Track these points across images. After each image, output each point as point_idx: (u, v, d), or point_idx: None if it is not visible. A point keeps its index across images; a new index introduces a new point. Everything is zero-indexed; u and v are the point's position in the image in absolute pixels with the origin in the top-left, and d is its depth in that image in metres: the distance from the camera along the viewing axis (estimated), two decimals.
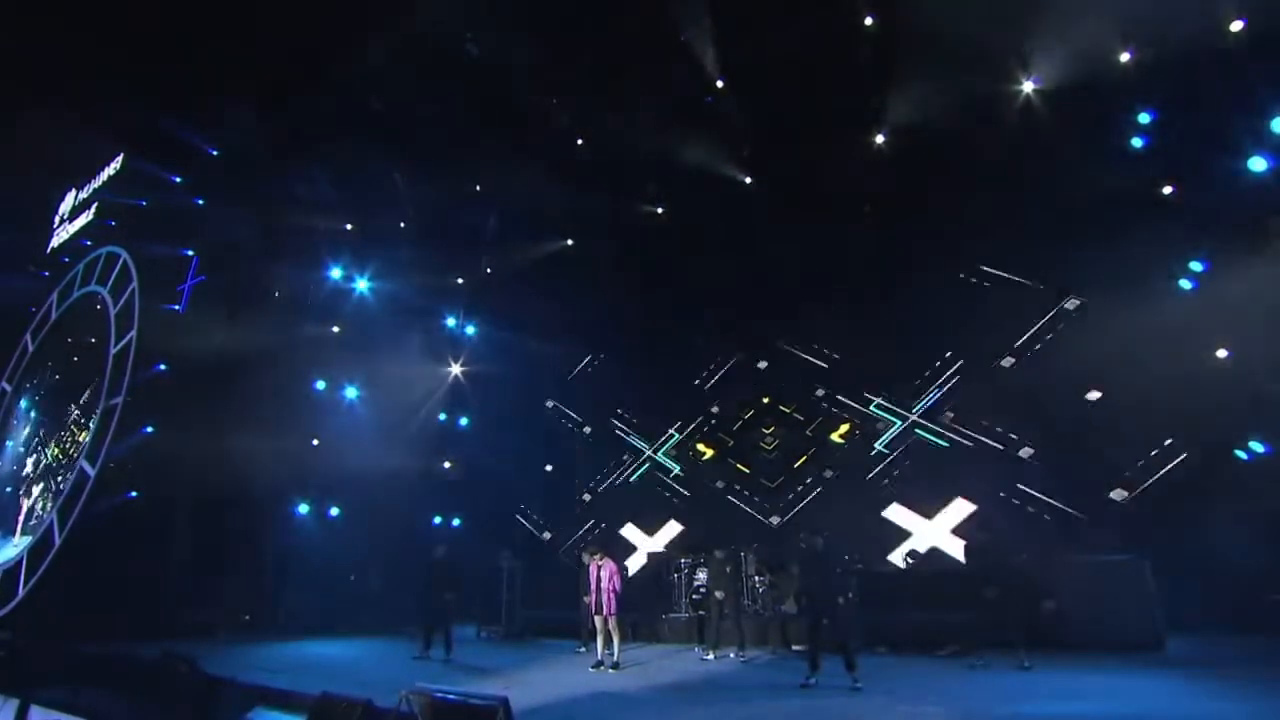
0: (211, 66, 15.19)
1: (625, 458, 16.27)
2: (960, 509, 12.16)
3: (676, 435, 15.62)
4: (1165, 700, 6.25)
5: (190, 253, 15.50)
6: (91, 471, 13.87)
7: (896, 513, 12.65)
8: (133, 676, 7.98)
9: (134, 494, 13.60)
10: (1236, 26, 9.32)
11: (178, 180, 16.39)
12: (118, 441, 13.91)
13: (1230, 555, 9.45)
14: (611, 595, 8.87)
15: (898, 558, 12.24)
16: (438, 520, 17.08)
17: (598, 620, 8.96)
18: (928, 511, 12.39)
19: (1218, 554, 9.51)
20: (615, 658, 8.89)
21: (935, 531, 12.26)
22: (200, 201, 16.23)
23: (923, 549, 12.18)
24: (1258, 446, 9.73)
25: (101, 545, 13.23)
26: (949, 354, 12.94)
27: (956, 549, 11.57)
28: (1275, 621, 8.75)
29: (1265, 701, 6.13)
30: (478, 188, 16.13)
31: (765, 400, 14.60)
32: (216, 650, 11.15)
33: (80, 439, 14.99)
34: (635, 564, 14.61)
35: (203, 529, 14.11)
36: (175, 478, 14.08)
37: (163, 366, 14.63)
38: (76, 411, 15.71)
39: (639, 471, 16.01)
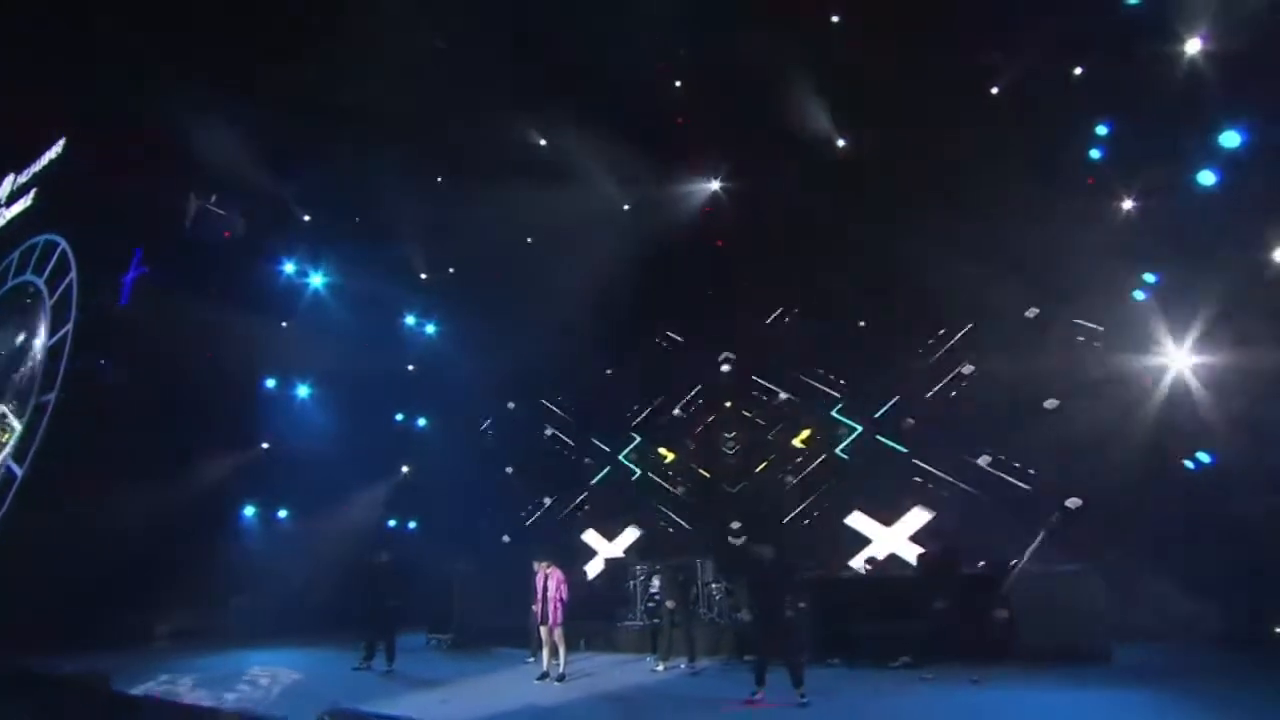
0: (162, 49, 14.61)
1: (587, 460, 15.99)
2: (919, 517, 12.15)
3: (638, 438, 15.40)
4: (1110, 717, 6.22)
5: (133, 243, 14.81)
6: (19, 471, 13.15)
7: (857, 520, 12.60)
8: (43, 693, 7.51)
9: (65, 496, 12.92)
10: (1195, 45, 9.39)
11: (123, 167, 15.64)
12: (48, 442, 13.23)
13: (1177, 564, 9.56)
14: (558, 605, 8.61)
15: (858, 564, 12.17)
16: (393, 523, 16.65)
17: (544, 631, 8.70)
18: (887, 519, 12.34)
19: (1165, 562, 9.61)
20: (561, 669, 8.64)
21: (894, 539, 12.24)
22: (147, 190, 15.51)
23: (881, 555, 12.13)
24: (1204, 457, 9.84)
25: (32, 549, 12.58)
26: (910, 361, 12.93)
27: (913, 555, 11.56)
28: (1222, 629, 8.88)
29: (1207, 715, 6.15)
30: (439, 179, 15.70)
31: (728, 404, 14.46)
32: (151, 659, 10.68)
33: (3, 440, 14.22)
34: (594, 570, 14.37)
35: (144, 532, 13.48)
36: (114, 477, 13.43)
37: (101, 362, 13.97)
38: (4, 408, 14.92)
39: (601, 475, 15.75)
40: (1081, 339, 11.58)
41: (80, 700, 6.86)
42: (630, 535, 14.63)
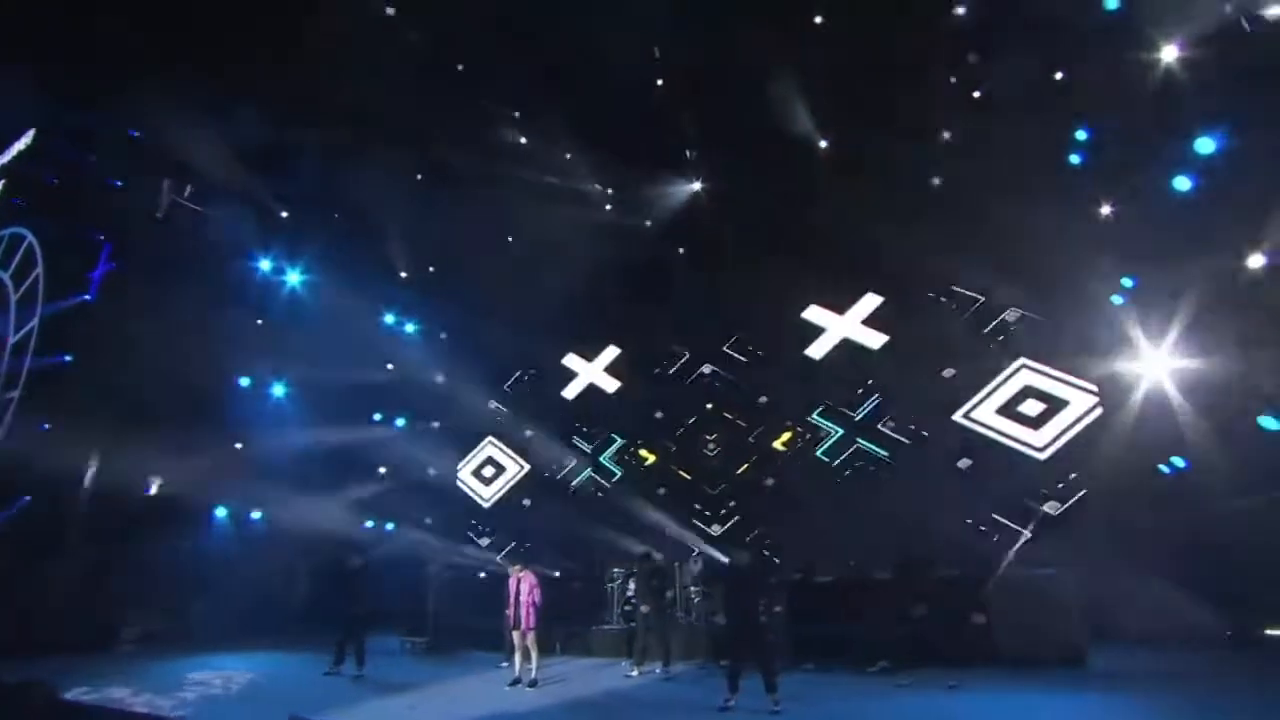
0: (136, 40, 14.27)
1: (567, 461, 15.82)
2: None
3: (619, 439, 15.26)
4: None
5: (103, 237, 14.44)
6: None
7: None
8: None
9: (28, 499, 12.55)
10: (1171, 53, 9.44)
11: (93, 160, 15.27)
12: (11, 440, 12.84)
13: (1153, 567, 9.61)
14: (530, 609, 8.47)
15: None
16: (370, 524, 16.39)
17: (515, 635, 8.54)
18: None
19: (1141, 566, 9.65)
20: (534, 674, 8.48)
21: None
22: (118, 184, 15.16)
23: None
24: (1179, 462, 9.88)
25: None
26: (891, 364, 12.92)
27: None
28: (1197, 632, 8.93)
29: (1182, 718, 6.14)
30: (419, 177, 15.47)
31: (709, 406, 14.37)
32: (113, 664, 10.38)
33: None
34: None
35: (111, 534, 13.14)
36: (80, 479, 13.08)
37: (68, 358, 13.59)
38: None
39: (581, 476, 15.59)
40: (1061, 342, 11.65)
41: (23, 708, 6.60)
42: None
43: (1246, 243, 8.02)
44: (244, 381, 15.12)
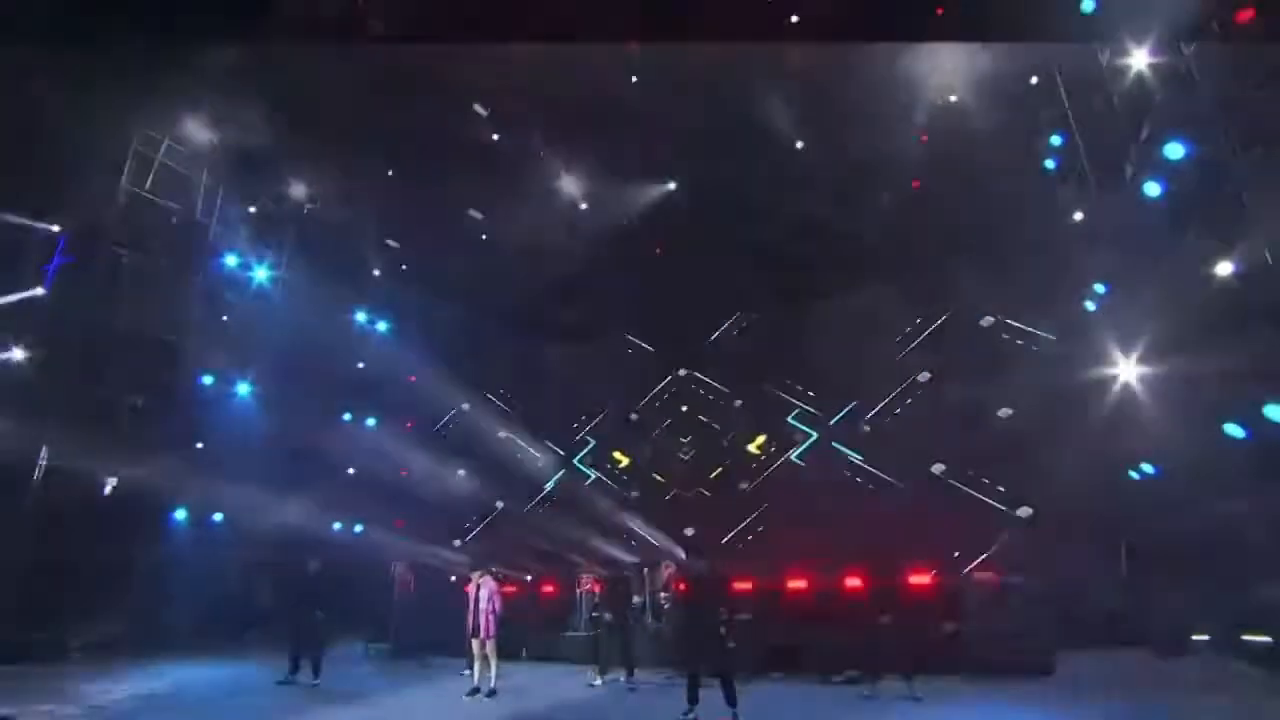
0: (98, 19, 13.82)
1: (540, 464, 15.58)
2: None
3: (593, 442, 15.05)
4: None
5: (58, 228, 13.93)
6: None
7: None
8: None
9: None
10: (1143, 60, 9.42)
11: (52, 147, 14.74)
12: None
13: (1123, 574, 9.57)
14: (490, 616, 8.23)
15: None
16: (338, 527, 16.00)
17: (475, 644, 8.28)
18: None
19: (1110, 573, 9.61)
20: (493, 683, 8.23)
21: None
22: (77, 173, 14.65)
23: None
24: (1148, 468, 9.85)
25: None
26: (865, 368, 12.85)
27: None
28: (1164, 640, 8.88)
29: None
30: (390, 173, 15.14)
31: (683, 409, 14.20)
32: (56, 675, 9.93)
33: None
34: None
35: (60, 536, 12.64)
36: (29, 475, 12.58)
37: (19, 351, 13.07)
38: None
39: (555, 479, 15.35)
40: (1035, 348, 11.66)
41: None
42: None
43: (1216, 248, 7.98)
44: (207, 379, 14.67)
